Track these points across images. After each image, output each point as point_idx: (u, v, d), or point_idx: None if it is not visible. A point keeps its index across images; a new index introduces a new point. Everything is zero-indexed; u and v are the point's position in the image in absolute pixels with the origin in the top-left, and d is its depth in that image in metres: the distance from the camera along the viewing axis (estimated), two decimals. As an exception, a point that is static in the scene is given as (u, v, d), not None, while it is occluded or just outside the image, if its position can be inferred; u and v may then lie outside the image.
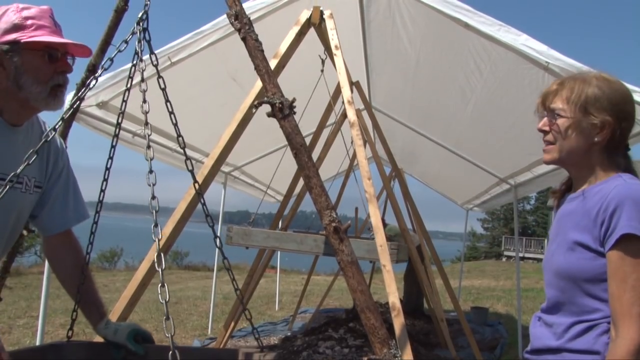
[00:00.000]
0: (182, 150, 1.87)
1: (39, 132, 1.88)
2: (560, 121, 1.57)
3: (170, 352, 1.34)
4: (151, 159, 1.64)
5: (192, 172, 2.01)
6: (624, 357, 1.35)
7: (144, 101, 1.69)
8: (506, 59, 3.98)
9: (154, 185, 1.61)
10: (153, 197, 1.60)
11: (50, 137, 1.71)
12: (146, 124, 1.69)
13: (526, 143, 5.03)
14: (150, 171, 1.63)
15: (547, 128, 1.61)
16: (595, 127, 1.52)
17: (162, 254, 1.54)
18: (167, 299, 1.43)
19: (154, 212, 1.57)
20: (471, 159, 7.17)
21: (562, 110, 1.57)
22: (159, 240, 1.57)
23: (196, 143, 5.75)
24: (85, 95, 1.84)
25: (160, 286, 1.44)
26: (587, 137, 1.54)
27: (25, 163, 1.60)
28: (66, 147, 1.92)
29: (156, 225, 1.57)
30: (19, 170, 1.59)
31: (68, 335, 1.91)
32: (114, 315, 2.40)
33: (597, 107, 1.52)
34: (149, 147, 1.66)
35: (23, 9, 1.69)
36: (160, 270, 1.51)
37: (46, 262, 4.19)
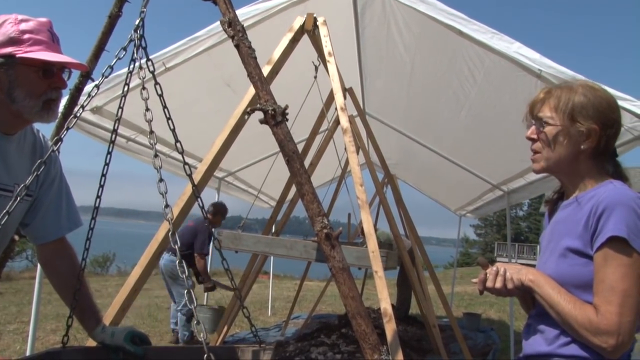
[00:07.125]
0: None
1: (31, 141, 1.88)
2: (548, 129, 1.59)
3: (205, 355, 1.38)
4: (160, 167, 1.64)
5: (190, 176, 2.00)
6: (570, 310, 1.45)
7: (147, 109, 1.68)
8: (499, 66, 4.01)
9: (165, 193, 1.60)
10: (166, 206, 1.61)
11: (57, 147, 1.71)
12: (151, 132, 1.68)
13: (519, 150, 5.04)
14: (160, 179, 1.62)
15: (535, 136, 1.63)
16: (583, 135, 1.54)
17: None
18: (195, 305, 1.46)
19: (167, 219, 1.61)
20: (464, 165, 7.19)
21: (550, 119, 1.59)
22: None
23: (189, 148, 5.72)
24: (85, 102, 1.83)
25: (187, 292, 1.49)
26: (575, 145, 1.56)
27: (35, 174, 1.60)
28: (59, 153, 1.91)
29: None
30: (28, 182, 1.59)
31: (63, 341, 1.89)
32: (105, 321, 2.39)
33: (584, 115, 1.55)
34: (156, 155, 1.65)
35: (21, 21, 1.68)
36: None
37: (38, 267, 4.17)
